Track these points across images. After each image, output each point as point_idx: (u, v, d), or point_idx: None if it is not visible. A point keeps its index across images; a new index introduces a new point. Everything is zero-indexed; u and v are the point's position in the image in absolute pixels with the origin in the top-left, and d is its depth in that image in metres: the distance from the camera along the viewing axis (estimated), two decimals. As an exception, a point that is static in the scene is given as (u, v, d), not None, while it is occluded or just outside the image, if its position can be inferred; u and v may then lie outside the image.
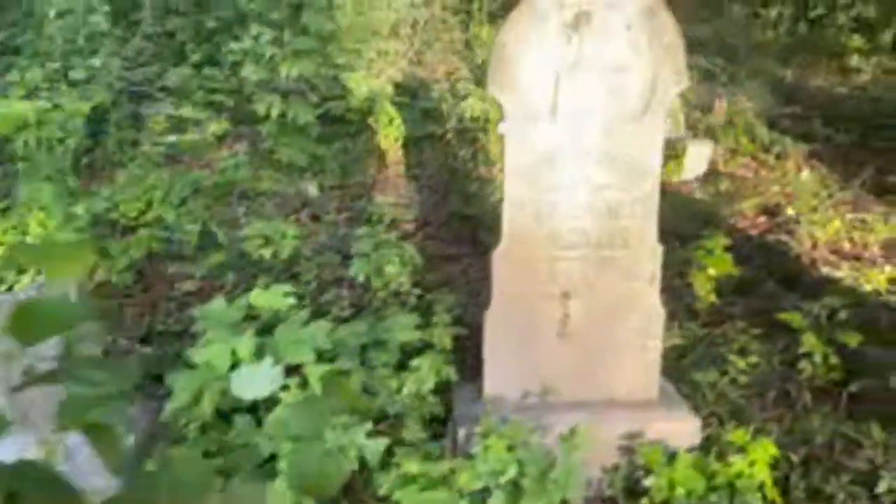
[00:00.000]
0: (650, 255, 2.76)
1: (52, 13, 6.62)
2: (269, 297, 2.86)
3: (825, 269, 4.54)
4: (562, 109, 2.57)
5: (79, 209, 3.94)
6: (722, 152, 6.14)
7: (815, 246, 4.79)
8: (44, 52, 6.22)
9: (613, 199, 2.68)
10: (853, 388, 3.28)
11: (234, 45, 5.60)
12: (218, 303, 2.90)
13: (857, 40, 8.05)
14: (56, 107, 5.26)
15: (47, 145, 5.23)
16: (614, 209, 2.69)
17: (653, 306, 2.82)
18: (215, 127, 5.94)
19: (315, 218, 4.92)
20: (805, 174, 5.49)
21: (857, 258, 4.65)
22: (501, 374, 2.84)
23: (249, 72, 5.50)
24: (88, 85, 5.72)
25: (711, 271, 3.99)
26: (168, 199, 4.61)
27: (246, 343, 2.64)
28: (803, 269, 4.53)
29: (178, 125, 6.08)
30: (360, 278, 3.55)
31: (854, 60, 7.66)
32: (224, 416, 2.64)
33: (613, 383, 2.89)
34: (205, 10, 7.57)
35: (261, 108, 5.43)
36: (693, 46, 7.38)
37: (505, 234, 2.69)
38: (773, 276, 4.47)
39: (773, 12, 8.52)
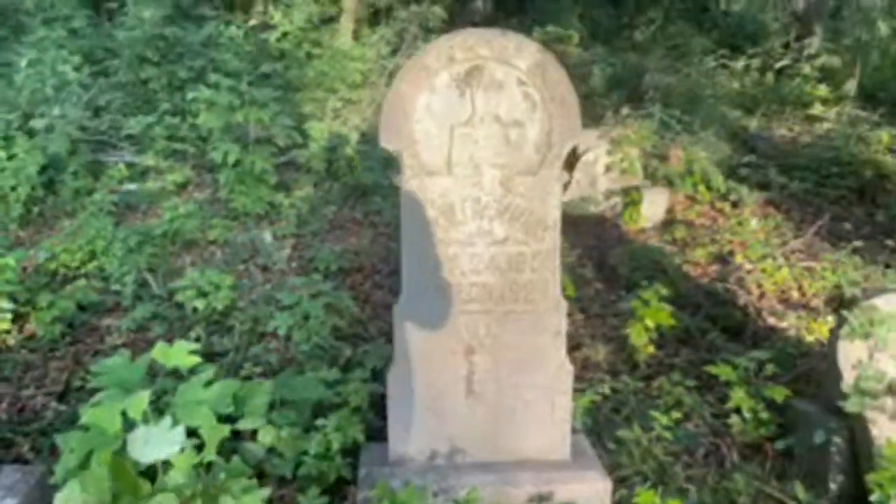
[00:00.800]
0: (555, 310, 2.66)
1: (23, 62, 6.67)
2: (173, 354, 2.76)
3: (771, 319, 4.43)
4: (458, 162, 2.50)
5: (9, 260, 3.87)
6: (680, 200, 6.09)
7: (762, 295, 4.69)
8: (10, 102, 6.22)
9: (514, 253, 2.59)
10: (780, 444, 3.16)
11: (193, 94, 5.60)
12: (117, 359, 2.81)
13: (821, 90, 8.06)
14: (11, 157, 5.24)
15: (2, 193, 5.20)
16: (515, 263, 2.60)
17: (560, 362, 2.72)
18: (175, 175, 5.91)
19: (264, 268, 4.84)
20: (754, 222, 5.42)
21: (804, 307, 4.55)
22: (407, 435, 2.73)
23: (207, 119, 5.49)
24: (49, 134, 5.70)
25: (649, 322, 3.89)
26: (111, 250, 4.54)
27: (137, 403, 2.53)
28: (749, 319, 4.42)
29: (140, 174, 6.06)
30: (282, 331, 3.45)
31: (817, 109, 7.65)
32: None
33: (523, 443, 2.77)
34: (176, 60, 7.62)
35: (218, 156, 5.40)
36: (657, 96, 7.42)
37: (405, 288, 2.60)
38: (717, 326, 4.37)
39: (741, 63, 8.56)
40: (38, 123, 5.82)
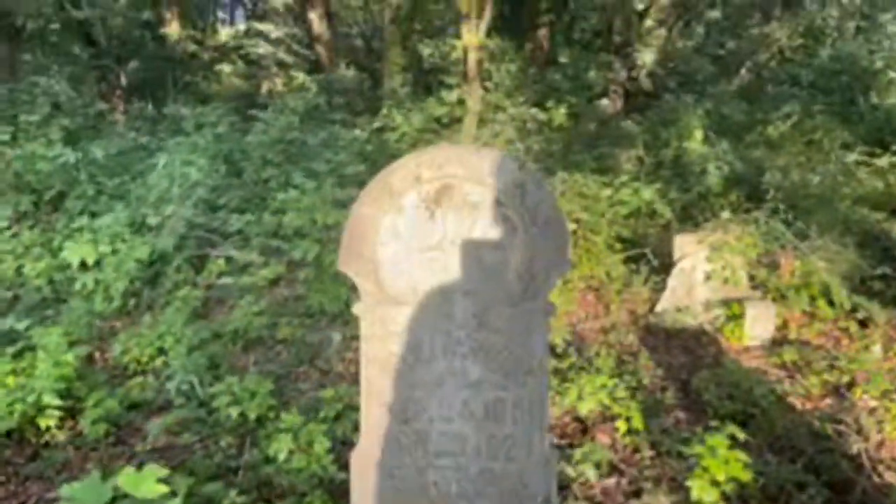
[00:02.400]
0: (541, 470, 2.15)
1: (160, 164, 7.15)
2: (140, 481, 2.52)
3: (889, 475, 3.50)
4: (426, 291, 2.12)
5: (68, 356, 3.90)
6: (796, 317, 5.21)
7: (882, 443, 3.76)
8: (142, 200, 6.61)
9: (491, 399, 2.13)
10: None
11: (281, 196, 5.65)
12: (88, 481, 2.61)
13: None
14: (114, 252, 5.48)
15: (104, 286, 5.42)
16: (493, 411, 2.14)
17: (550, 536, 2.18)
18: (268, 271, 5.93)
19: (324, 371, 4.62)
20: (877, 349, 4.46)
21: (936, 464, 3.57)
22: None
23: (293, 218, 5.49)
24: (161, 230, 5.95)
25: (717, 475, 3.17)
26: (178, 347, 4.52)
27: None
28: (861, 474, 3.52)
29: (240, 269, 6.15)
30: (282, 455, 3.14)
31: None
32: None
33: None
34: (294, 161, 7.86)
35: (298, 254, 5.35)
36: (778, 196, 6.57)
37: (364, 433, 2.21)
38: (820, 480, 3.51)
39: (886, 160, 7.50)
40: (152, 220, 6.09)
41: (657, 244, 6.09)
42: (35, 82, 9.92)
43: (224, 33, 13.65)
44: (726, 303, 5.11)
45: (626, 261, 5.93)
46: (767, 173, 6.80)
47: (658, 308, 5.33)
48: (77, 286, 5.33)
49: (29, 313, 5.25)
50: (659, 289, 5.51)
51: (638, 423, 3.75)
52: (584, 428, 3.97)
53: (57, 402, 3.76)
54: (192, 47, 12.66)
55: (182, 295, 5.23)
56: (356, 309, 2.16)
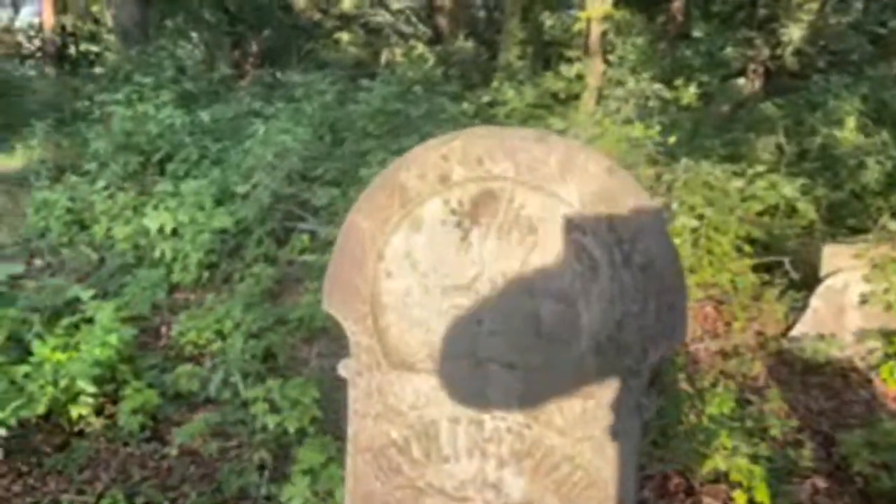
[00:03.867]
0: None
1: (261, 130, 6.69)
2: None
3: None
4: (450, 354, 1.29)
5: (111, 338, 3.40)
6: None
7: None
8: (234, 166, 6.17)
9: (539, 532, 1.29)
10: None
11: (364, 172, 4.96)
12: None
13: None
14: (192, 220, 5.02)
15: (182, 255, 4.98)
16: (542, 552, 1.29)
17: None
18: (350, 251, 5.24)
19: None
20: None
21: None
22: None
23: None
24: (245, 200, 5.44)
25: None
26: (237, 332, 3.94)
27: None
28: None
29: (324, 246, 5.54)
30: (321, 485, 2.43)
31: None
32: None
33: None
34: (396, 134, 7.19)
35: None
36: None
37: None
38: None
39: None
40: (240, 188, 5.59)
41: (798, 252, 4.87)
42: (163, 46, 9.79)
43: (347, 2, 13.18)
44: (886, 335, 3.90)
45: (757, 269, 4.76)
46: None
47: (795, 332, 4.19)
48: (156, 254, 4.91)
49: (108, 279, 4.88)
50: (798, 308, 4.33)
51: (762, 495, 2.76)
52: (690, 487, 3.01)
53: (91, 388, 3.26)
54: (318, 16, 12.25)
55: (255, 272, 4.66)
56: (344, 369, 1.37)
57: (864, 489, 3.04)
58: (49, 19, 13.21)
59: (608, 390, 1.20)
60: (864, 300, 4.08)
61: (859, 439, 3.20)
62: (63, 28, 13.87)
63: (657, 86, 7.97)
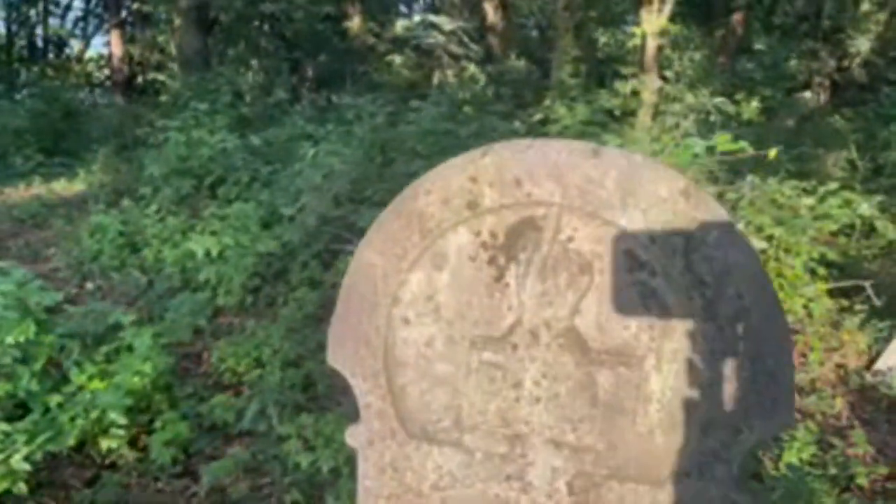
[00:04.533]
0: None
1: (310, 153, 6.58)
2: None
3: None
4: (483, 428, 1.02)
5: (145, 367, 3.24)
6: None
7: None
8: (283, 188, 6.07)
9: None
10: None
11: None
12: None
13: None
14: (238, 243, 4.88)
15: (227, 279, 4.84)
16: None
17: None
18: (396, 274, 5.01)
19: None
20: None
21: None
22: None
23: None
24: (291, 222, 5.31)
25: None
26: (275, 359, 3.74)
27: None
28: None
29: (370, 268, 5.30)
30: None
31: None
32: None
33: None
34: (443, 154, 6.96)
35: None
36: None
37: None
38: None
39: None
40: (287, 211, 5.46)
41: (879, 274, 4.39)
42: (221, 73, 9.90)
43: (399, 25, 13.13)
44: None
45: (833, 294, 4.30)
46: None
47: (880, 365, 3.73)
48: (201, 277, 4.79)
49: (155, 303, 4.78)
50: (883, 338, 3.86)
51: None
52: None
53: (122, 420, 3.10)
54: (371, 40, 12.23)
55: (299, 296, 4.47)
56: (350, 436, 1.11)
57: None
58: (118, 49, 13.63)
59: (685, 479, 0.90)
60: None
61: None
62: (131, 58, 14.30)
63: (719, 99, 7.54)
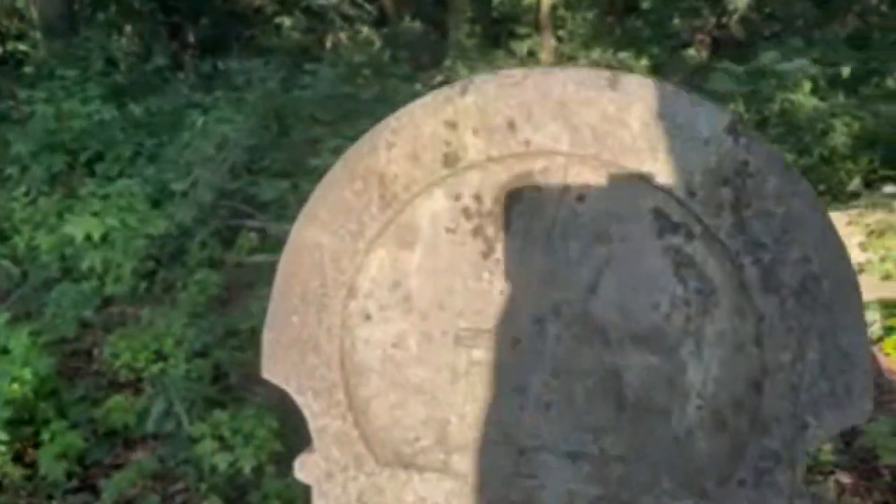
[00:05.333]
0: None
1: (199, 122, 6.02)
2: None
3: None
4: (475, 442, 0.78)
5: (25, 372, 2.78)
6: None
7: None
8: (172, 162, 5.50)
9: None
10: None
11: (315, 162, 4.39)
12: None
13: None
14: (124, 224, 4.35)
15: (115, 265, 4.31)
16: None
17: None
18: (305, 248, 4.66)
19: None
20: None
21: None
22: None
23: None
24: (184, 199, 4.80)
25: None
26: (179, 350, 3.34)
27: None
28: None
29: (275, 245, 4.92)
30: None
31: None
32: None
33: None
34: (346, 119, 6.60)
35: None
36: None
37: None
38: None
39: None
40: (177, 186, 4.94)
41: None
42: (89, 38, 8.91)
43: (287, -15, 12.36)
44: (886, 306, 3.55)
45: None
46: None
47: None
48: (84, 265, 4.23)
49: (31, 297, 4.19)
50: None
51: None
52: None
53: (2, 435, 2.64)
54: (258, 2, 11.43)
55: (199, 279, 4.04)
56: (301, 470, 0.84)
57: (894, 484, 2.66)
58: (-33, 17, 12.01)
59: (739, 489, 0.71)
60: (860, 269, 3.71)
61: (886, 427, 2.82)
62: (-16, 26, 12.66)
63: (617, 56, 7.60)
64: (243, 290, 4.37)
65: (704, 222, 0.67)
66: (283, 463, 2.54)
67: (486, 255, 0.74)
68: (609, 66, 7.62)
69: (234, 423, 2.65)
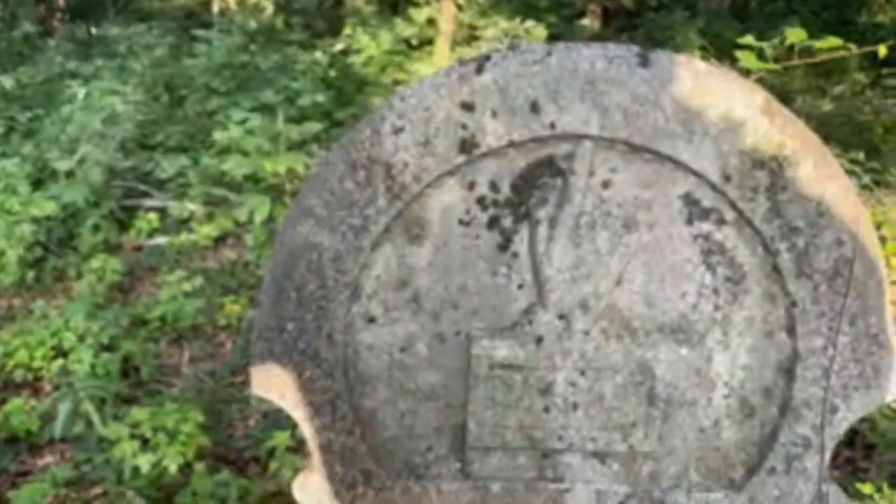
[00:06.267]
0: None
1: (81, 94, 5.48)
2: None
3: None
4: (495, 448, 0.73)
5: None
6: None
7: None
8: (52, 138, 4.99)
9: None
10: None
11: (218, 135, 4.10)
12: None
13: None
14: (5, 209, 3.91)
15: (-2, 254, 3.86)
16: None
17: None
18: (210, 228, 4.38)
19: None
20: None
21: None
22: None
23: (236, 166, 3.95)
24: (70, 179, 4.37)
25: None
26: (82, 345, 3.04)
27: None
28: None
29: (177, 225, 4.58)
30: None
31: None
32: None
33: None
34: (246, 89, 6.24)
35: (243, 214, 3.84)
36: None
37: None
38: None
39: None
40: (62, 165, 4.49)
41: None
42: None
43: (166, -56, 11.43)
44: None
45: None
46: (799, 98, 5.41)
47: None
48: (-39, 256, 3.76)
49: None
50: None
51: None
52: None
53: None
54: (134, -39, 10.50)
55: (95, 265, 3.70)
56: (301, 491, 0.75)
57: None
58: None
59: (769, 477, 0.70)
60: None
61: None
62: None
63: (519, 27, 7.61)
64: (146, 275, 4.07)
65: (738, 207, 0.63)
66: (213, 458, 2.39)
67: (502, 247, 0.67)
68: (516, 36, 7.66)
69: (154, 420, 2.45)
